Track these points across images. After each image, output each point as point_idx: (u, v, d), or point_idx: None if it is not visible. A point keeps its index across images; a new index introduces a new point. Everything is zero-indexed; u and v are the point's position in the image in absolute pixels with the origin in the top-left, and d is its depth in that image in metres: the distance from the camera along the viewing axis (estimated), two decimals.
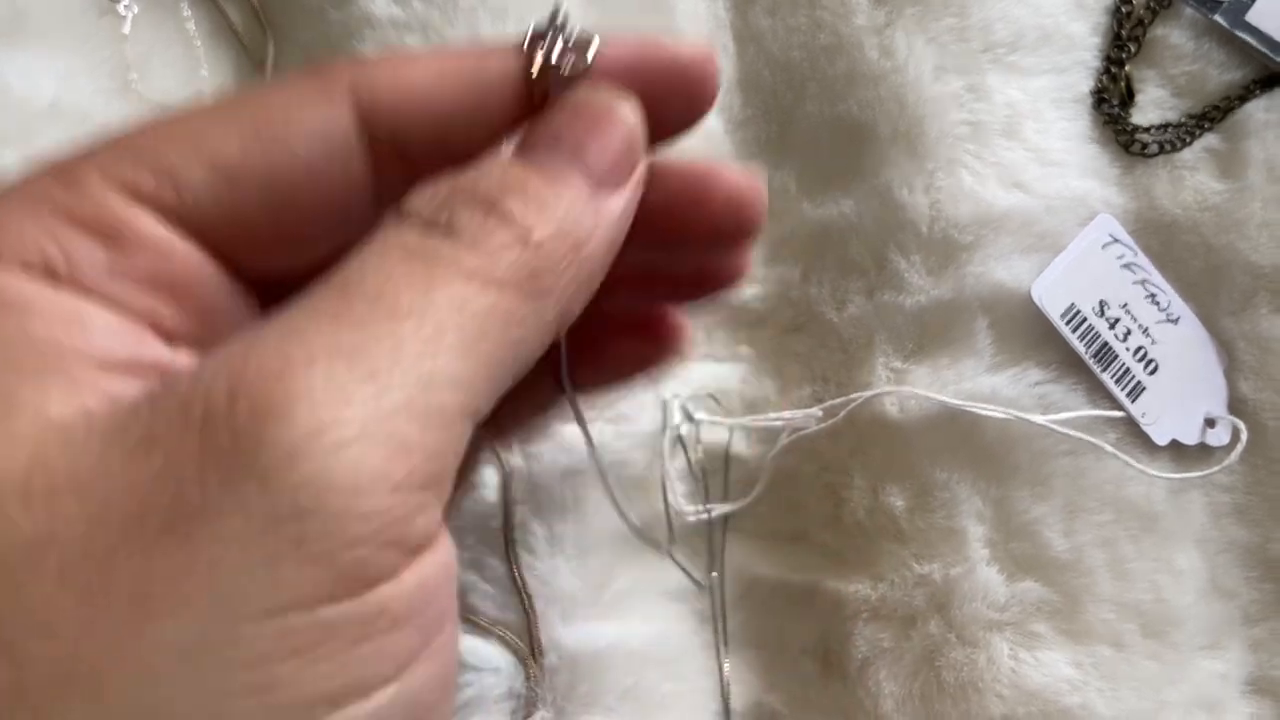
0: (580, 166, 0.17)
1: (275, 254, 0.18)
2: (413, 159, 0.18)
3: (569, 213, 0.17)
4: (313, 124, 0.17)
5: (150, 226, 0.16)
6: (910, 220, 0.35)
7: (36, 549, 0.13)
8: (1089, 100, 0.37)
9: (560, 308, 0.17)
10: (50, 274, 0.15)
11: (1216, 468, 0.33)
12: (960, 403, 0.33)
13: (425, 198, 0.17)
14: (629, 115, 0.18)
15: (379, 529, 0.14)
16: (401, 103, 0.17)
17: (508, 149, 0.18)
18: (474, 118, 0.18)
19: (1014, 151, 0.36)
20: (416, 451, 0.14)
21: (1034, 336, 0.35)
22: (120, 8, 0.37)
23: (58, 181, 0.16)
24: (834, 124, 0.36)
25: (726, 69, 0.38)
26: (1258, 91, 0.37)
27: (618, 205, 0.18)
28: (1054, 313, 0.34)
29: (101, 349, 0.15)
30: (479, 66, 0.18)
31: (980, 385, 0.34)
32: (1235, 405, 0.35)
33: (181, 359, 0.17)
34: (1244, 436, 0.34)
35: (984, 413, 0.33)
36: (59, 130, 0.35)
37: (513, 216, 0.16)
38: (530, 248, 0.16)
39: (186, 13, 0.38)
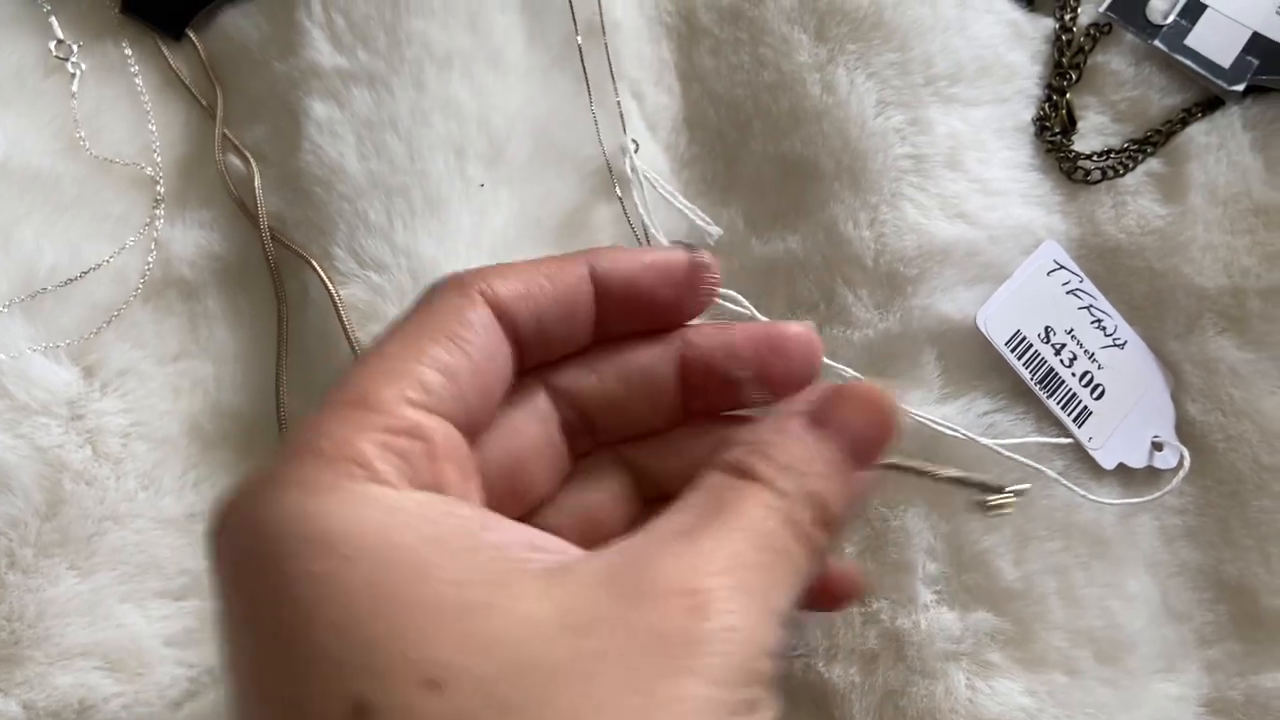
0: (855, 452, 0.23)
1: (482, 415, 0.25)
2: (524, 343, 0.25)
3: (844, 489, 0.23)
4: (481, 323, 0.24)
5: (430, 420, 0.22)
6: (856, 254, 0.35)
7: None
8: (1031, 129, 0.38)
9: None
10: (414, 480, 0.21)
11: (1158, 493, 0.34)
12: (924, 417, 0.34)
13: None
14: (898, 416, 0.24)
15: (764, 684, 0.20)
16: (515, 301, 0.25)
17: (795, 419, 0.23)
18: (567, 311, 0.25)
19: (957, 183, 0.36)
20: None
21: (981, 366, 0.35)
22: (69, 65, 0.37)
23: (362, 406, 0.22)
24: (779, 161, 0.37)
25: (671, 108, 0.38)
26: (1198, 114, 0.37)
27: (867, 478, 0.24)
28: (999, 340, 0.35)
29: (516, 531, 0.21)
30: (562, 272, 0.25)
31: (929, 417, 0.34)
32: (1183, 428, 0.36)
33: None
34: (1187, 462, 0.34)
35: (942, 430, 0.34)
36: (5, 189, 0.35)
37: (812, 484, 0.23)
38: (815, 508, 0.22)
39: (134, 69, 0.38)
